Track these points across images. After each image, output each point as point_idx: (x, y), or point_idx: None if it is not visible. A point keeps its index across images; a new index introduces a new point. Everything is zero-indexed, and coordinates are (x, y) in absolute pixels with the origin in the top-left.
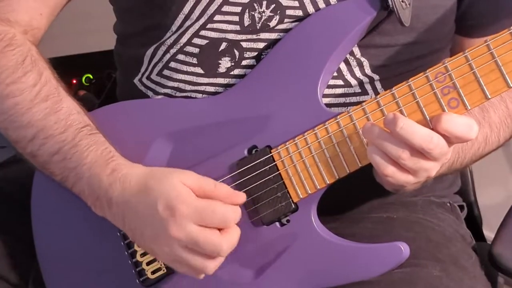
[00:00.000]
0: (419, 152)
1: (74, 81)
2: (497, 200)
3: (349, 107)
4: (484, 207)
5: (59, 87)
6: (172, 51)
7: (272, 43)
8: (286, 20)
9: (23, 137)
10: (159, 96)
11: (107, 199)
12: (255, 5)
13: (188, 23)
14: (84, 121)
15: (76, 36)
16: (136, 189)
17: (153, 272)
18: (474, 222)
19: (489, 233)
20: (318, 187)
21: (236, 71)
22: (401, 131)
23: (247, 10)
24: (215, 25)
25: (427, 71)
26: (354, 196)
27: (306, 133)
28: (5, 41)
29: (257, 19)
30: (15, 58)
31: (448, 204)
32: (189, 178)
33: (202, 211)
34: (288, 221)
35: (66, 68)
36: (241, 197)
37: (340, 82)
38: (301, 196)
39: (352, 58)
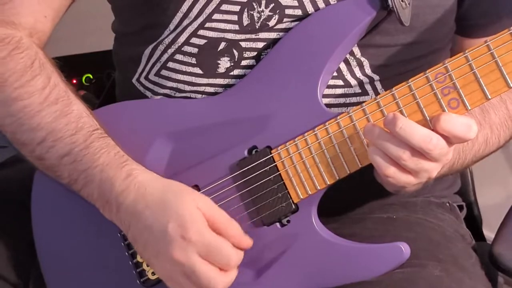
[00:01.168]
0: (419, 153)
1: (74, 81)
2: (497, 200)
3: (349, 108)
4: (484, 207)
5: (68, 90)
6: (170, 51)
7: (271, 43)
8: (285, 19)
9: (32, 139)
10: (158, 97)
11: (118, 203)
12: (254, 4)
13: (186, 22)
14: (95, 124)
15: (76, 36)
16: (151, 201)
17: (154, 273)
18: (474, 222)
19: (489, 233)
20: (319, 188)
21: (236, 72)
22: (401, 131)
23: (246, 9)
24: (213, 24)
25: (427, 71)
26: (354, 197)
27: (306, 134)
28: (13, 44)
29: (256, 18)
30: (23, 61)
31: (448, 204)
32: (205, 205)
33: (210, 248)
34: (288, 221)
35: (66, 68)
36: (248, 243)
37: (340, 82)
38: (302, 197)
39: (352, 58)
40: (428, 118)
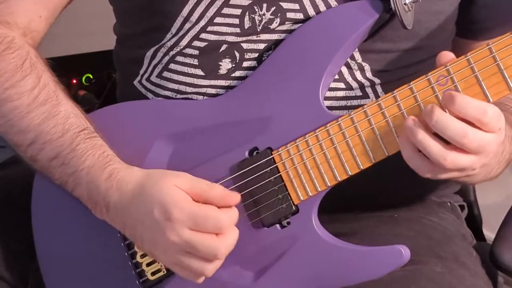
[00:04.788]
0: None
1: (74, 81)
2: (497, 200)
3: (350, 110)
4: (484, 207)
5: (58, 90)
6: (172, 53)
7: (272, 44)
8: (287, 22)
9: (22, 141)
10: (160, 98)
11: (105, 203)
12: (255, 7)
13: (187, 25)
14: (82, 125)
15: (76, 36)
16: (132, 195)
17: (153, 273)
18: (474, 222)
19: (489, 233)
20: (319, 189)
21: (237, 73)
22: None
23: (247, 13)
24: (215, 28)
25: (429, 74)
26: (355, 195)
27: (307, 135)
28: (4, 44)
29: (257, 21)
30: (14, 61)
31: (449, 204)
32: (183, 180)
33: (194, 217)
34: (288, 223)
35: (66, 68)
36: (235, 197)
37: (342, 85)
38: (302, 198)
39: (354, 63)
40: None
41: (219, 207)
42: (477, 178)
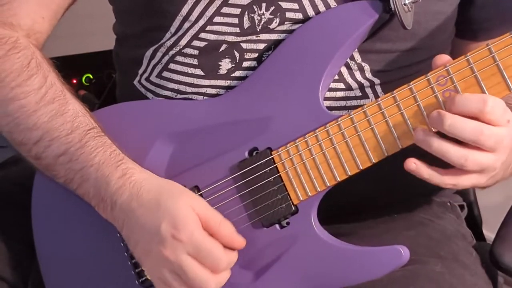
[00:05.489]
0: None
1: (74, 81)
2: (497, 200)
3: (349, 110)
4: (484, 207)
5: (65, 89)
6: (171, 53)
7: (272, 44)
8: (286, 22)
9: (28, 139)
10: (160, 98)
11: (112, 201)
12: (254, 7)
13: (187, 25)
14: (90, 123)
15: (76, 36)
16: (145, 200)
17: None
18: (474, 222)
19: (489, 233)
20: (319, 190)
21: (237, 73)
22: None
23: (246, 12)
24: (214, 27)
25: (428, 74)
26: (355, 196)
27: (307, 136)
28: (9, 44)
29: (256, 21)
30: (20, 61)
31: (449, 204)
32: (199, 205)
33: (200, 249)
34: (288, 223)
35: (66, 68)
36: (240, 243)
37: (341, 85)
38: (301, 198)
39: (353, 63)
40: (428, 121)
41: (222, 244)
42: (497, 178)
